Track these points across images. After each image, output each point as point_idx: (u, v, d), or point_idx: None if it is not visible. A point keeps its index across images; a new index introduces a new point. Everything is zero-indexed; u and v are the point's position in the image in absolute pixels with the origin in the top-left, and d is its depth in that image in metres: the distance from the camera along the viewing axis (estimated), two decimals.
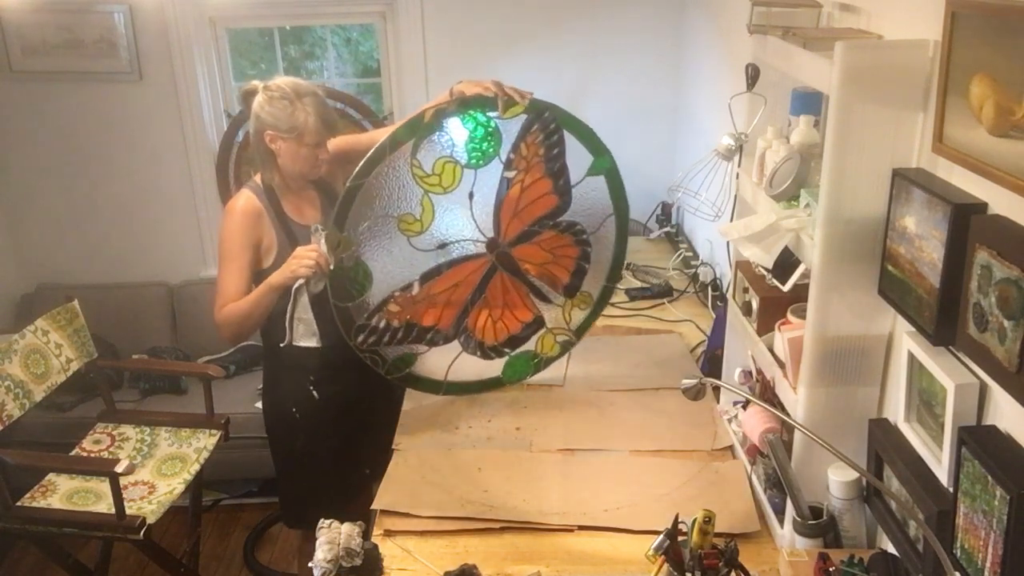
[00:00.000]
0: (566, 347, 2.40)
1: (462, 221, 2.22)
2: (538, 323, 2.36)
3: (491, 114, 2.12)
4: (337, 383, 2.30)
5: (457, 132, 2.14)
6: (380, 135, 2.32)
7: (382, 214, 2.13)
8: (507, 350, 2.36)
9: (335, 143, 2.25)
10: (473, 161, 2.15)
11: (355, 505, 2.30)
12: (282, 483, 2.47)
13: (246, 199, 2.18)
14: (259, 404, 3.34)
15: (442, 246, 2.22)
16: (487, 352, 2.37)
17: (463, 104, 2.10)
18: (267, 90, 2.12)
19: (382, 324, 2.20)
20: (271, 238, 2.18)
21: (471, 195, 2.18)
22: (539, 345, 2.37)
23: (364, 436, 2.36)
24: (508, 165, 2.15)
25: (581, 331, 2.41)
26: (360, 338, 2.18)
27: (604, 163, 2.25)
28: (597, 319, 2.43)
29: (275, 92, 2.10)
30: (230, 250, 2.17)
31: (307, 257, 2.06)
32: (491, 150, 2.15)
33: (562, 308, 2.35)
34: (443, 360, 2.32)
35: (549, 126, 2.15)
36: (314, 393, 2.28)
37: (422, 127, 2.09)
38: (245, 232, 2.16)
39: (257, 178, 2.23)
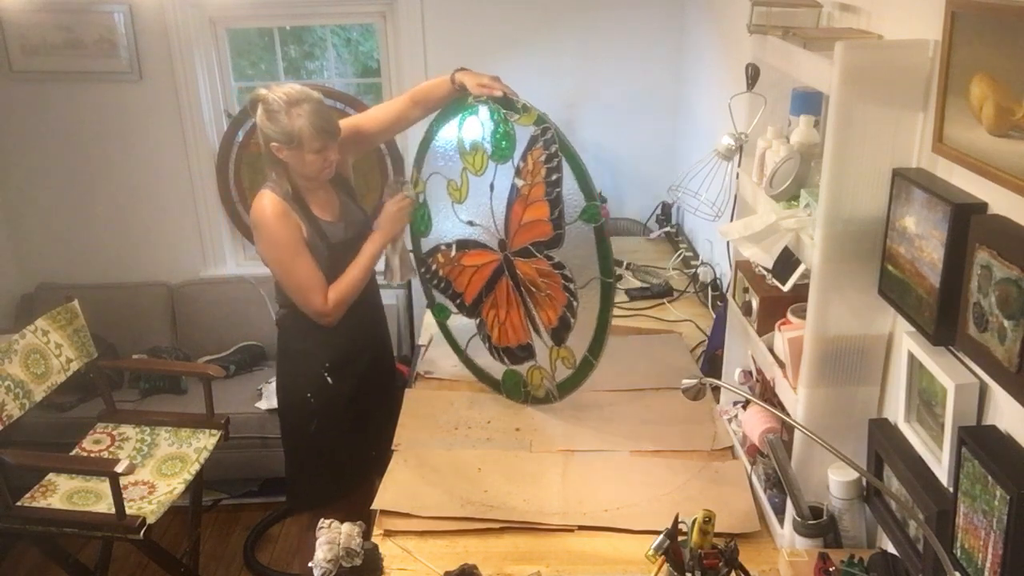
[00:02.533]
0: (548, 398, 2.30)
1: (484, 209, 2.27)
2: (530, 351, 2.30)
3: (509, 114, 2.13)
4: (349, 369, 2.36)
5: (487, 123, 2.19)
6: (381, 112, 2.40)
7: (442, 170, 2.35)
8: (506, 360, 2.37)
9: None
10: (494, 155, 2.19)
11: (359, 492, 2.34)
12: (291, 467, 2.49)
13: (271, 200, 2.18)
14: (259, 404, 3.39)
15: (470, 223, 2.31)
16: (492, 348, 2.39)
17: (495, 99, 2.15)
18: (264, 103, 2.12)
19: (433, 267, 2.47)
20: (303, 229, 2.21)
21: (491, 187, 2.22)
22: (530, 376, 2.34)
23: (371, 419, 2.41)
24: (517, 172, 2.16)
25: (563, 390, 2.26)
26: (422, 269, 2.51)
27: (591, 212, 2.01)
28: (579, 386, 2.22)
29: (271, 104, 2.11)
30: (289, 251, 2.19)
31: (403, 202, 2.32)
32: (508, 151, 2.16)
33: (549, 352, 2.24)
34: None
35: (550, 147, 2.06)
36: (328, 379, 2.33)
37: (464, 106, 2.24)
38: (289, 230, 2.18)
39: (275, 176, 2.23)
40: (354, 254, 2.27)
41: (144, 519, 2.44)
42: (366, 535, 1.70)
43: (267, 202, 2.18)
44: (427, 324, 2.82)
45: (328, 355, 2.33)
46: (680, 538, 1.51)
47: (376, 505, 1.91)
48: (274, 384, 3.41)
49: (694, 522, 1.49)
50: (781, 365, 1.74)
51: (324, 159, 2.16)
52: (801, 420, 1.62)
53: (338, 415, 2.36)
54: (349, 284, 2.25)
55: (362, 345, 2.40)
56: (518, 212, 2.16)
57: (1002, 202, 1.22)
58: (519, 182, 2.14)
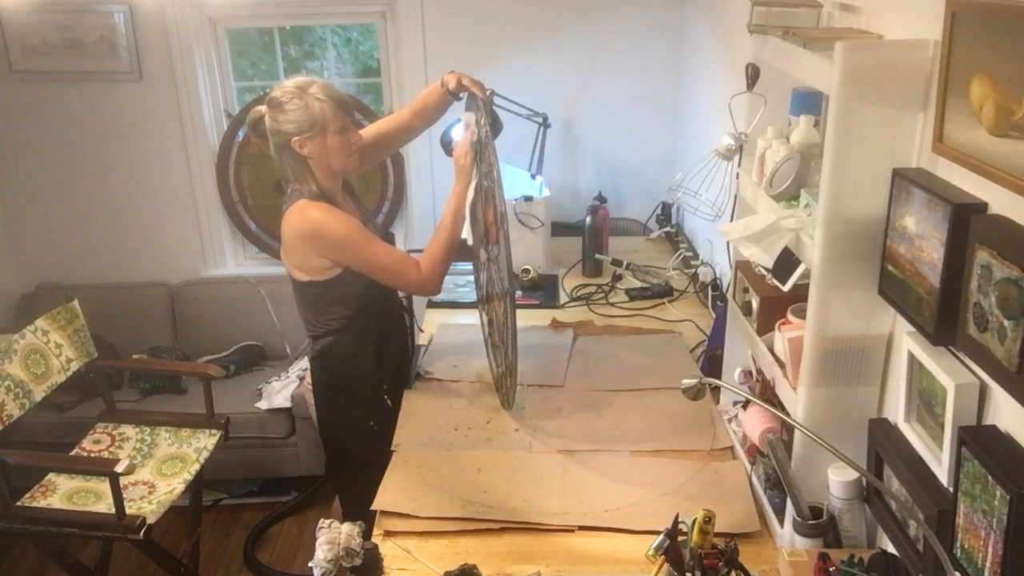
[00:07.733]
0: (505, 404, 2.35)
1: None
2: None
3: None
4: (398, 377, 2.35)
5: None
6: (383, 124, 2.41)
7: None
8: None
9: None
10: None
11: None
12: (348, 492, 2.40)
13: (311, 205, 2.08)
14: (259, 404, 3.38)
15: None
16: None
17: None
18: (272, 102, 2.05)
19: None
20: None
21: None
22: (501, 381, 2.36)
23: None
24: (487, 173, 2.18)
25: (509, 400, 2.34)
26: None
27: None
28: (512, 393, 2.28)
29: (281, 98, 2.03)
30: (360, 238, 2.10)
31: (464, 148, 2.13)
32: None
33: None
34: None
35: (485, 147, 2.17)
36: (388, 402, 2.29)
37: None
38: (347, 219, 2.10)
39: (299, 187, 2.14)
40: None
41: (144, 519, 2.44)
42: (366, 535, 1.70)
43: (311, 208, 2.07)
44: (427, 324, 2.82)
45: (385, 374, 2.28)
46: (680, 538, 1.51)
47: (376, 505, 1.90)
48: (275, 384, 3.44)
49: (694, 522, 1.49)
50: (781, 365, 1.74)
51: (348, 142, 2.08)
52: (801, 420, 1.62)
53: (392, 428, 2.23)
54: (437, 246, 2.14)
55: (403, 353, 2.39)
56: (490, 214, 2.17)
57: (1002, 202, 1.22)
58: (485, 182, 2.14)
